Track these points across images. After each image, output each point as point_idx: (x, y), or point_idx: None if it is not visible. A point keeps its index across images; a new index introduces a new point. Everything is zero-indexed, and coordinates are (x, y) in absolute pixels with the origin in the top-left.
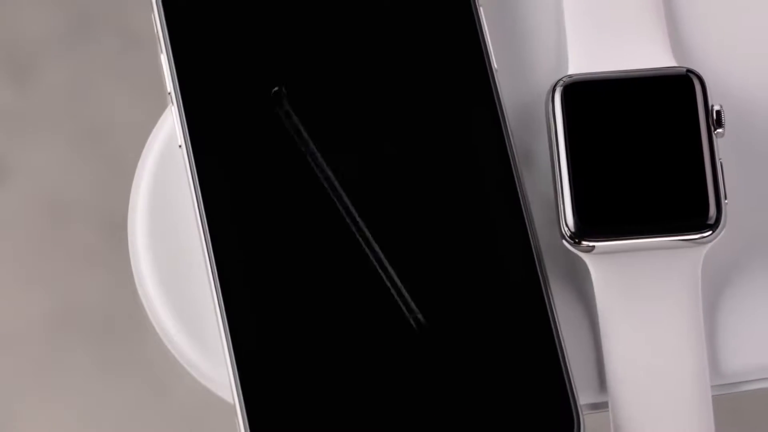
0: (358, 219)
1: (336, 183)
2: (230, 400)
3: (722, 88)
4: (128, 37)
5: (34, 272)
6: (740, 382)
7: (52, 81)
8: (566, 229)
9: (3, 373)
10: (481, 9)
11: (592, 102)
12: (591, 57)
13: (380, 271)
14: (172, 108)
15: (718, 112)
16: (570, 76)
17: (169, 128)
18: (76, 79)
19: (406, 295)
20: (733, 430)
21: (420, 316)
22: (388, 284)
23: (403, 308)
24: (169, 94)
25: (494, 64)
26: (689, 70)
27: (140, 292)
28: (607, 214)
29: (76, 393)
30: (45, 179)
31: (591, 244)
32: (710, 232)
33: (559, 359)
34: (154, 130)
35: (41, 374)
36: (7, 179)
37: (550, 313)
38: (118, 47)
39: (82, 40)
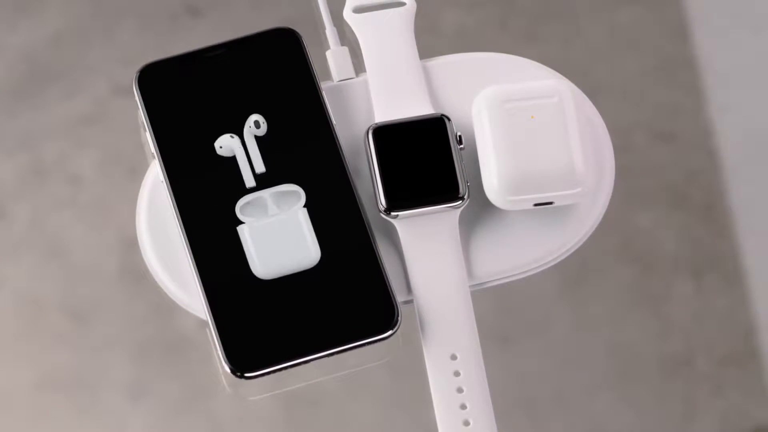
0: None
1: (252, 181)
2: (204, 317)
3: (459, 124)
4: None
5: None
6: (485, 282)
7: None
8: (381, 206)
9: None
10: (324, 93)
11: (390, 137)
12: (386, 112)
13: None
14: (155, 161)
15: (460, 137)
16: (376, 123)
17: (155, 173)
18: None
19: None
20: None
21: None
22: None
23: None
24: (152, 153)
25: (334, 121)
26: (443, 114)
27: (146, 260)
28: (404, 196)
29: None
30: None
31: (396, 213)
32: (461, 202)
33: (383, 276)
34: (147, 173)
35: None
36: None
37: (376, 252)
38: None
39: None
